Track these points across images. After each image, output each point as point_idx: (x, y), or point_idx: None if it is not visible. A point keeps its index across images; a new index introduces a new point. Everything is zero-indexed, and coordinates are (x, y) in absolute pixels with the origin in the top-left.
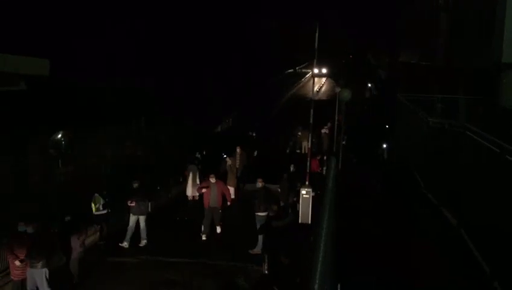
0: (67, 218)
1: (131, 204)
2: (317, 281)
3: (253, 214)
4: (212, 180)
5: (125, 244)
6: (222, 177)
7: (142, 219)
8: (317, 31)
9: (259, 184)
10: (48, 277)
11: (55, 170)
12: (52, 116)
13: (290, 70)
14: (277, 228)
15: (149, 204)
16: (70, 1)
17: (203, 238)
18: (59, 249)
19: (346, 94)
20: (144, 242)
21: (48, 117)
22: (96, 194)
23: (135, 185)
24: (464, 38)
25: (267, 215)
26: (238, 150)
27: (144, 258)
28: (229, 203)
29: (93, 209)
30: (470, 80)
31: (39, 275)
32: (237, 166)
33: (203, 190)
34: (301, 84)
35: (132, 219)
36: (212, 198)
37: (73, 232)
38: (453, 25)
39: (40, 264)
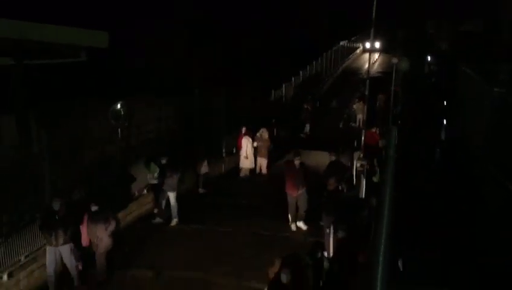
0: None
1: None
2: (381, 255)
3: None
4: (297, 162)
5: (174, 221)
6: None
7: (171, 195)
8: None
9: (332, 157)
10: (73, 249)
11: (114, 141)
12: (111, 86)
13: (342, 43)
14: (343, 201)
15: (177, 179)
16: None
17: (293, 229)
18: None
19: (404, 64)
20: (174, 221)
21: (107, 87)
22: (152, 163)
23: (163, 161)
24: None
25: (332, 188)
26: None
27: (197, 227)
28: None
29: (149, 176)
30: None
31: (64, 251)
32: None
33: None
34: (353, 57)
35: (163, 195)
36: (298, 183)
37: (101, 221)
38: None
39: (63, 240)
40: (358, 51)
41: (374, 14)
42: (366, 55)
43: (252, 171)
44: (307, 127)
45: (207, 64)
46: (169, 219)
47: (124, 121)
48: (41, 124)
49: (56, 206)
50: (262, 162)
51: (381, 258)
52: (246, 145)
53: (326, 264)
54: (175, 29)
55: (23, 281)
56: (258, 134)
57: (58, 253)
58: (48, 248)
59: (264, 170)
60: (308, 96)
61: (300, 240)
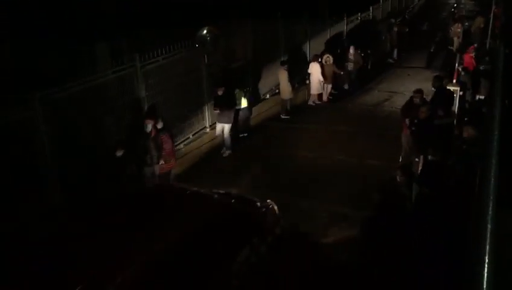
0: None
1: (216, 111)
2: (491, 180)
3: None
4: (417, 99)
5: (226, 153)
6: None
7: (226, 127)
8: None
9: (436, 84)
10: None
11: (201, 65)
12: (197, 11)
13: None
14: (435, 128)
15: (233, 111)
16: None
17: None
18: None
19: None
20: (227, 152)
21: (192, 12)
22: (237, 90)
23: (219, 92)
24: None
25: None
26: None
27: (279, 152)
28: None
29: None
30: None
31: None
32: (350, 68)
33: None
34: None
35: (218, 126)
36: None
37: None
38: None
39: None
40: None
41: None
42: None
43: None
44: (395, 52)
45: None
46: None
47: (209, 47)
48: (133, 50)
49: (148, 128)
50: (327, 88)
51: (491, 183)
52: (314, 71)
53: (416, 188)
54: None
55: None
56: (322, 60)
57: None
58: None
59: (325, 97)
60: (397, 19)
61: (385, 168)
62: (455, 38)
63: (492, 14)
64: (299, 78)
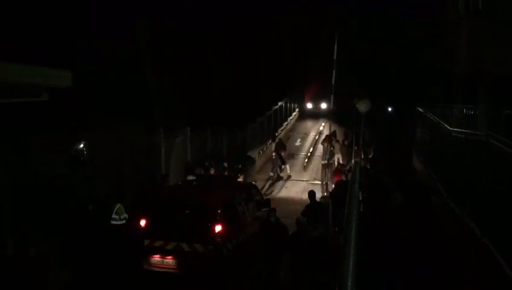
0: None
1: None
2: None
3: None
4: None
5: None
6: None
7: None
8: (336, 42)
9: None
10: None
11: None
12: (75, 124)
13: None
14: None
15: None
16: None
17: None
18: None
19: (365, 105)
20: None
21: (70, 126)
22: (119, 204)
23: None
24: (485, 47)
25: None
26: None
27: None
28: None
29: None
30: (491, 90)
31: None
32: None
33: None
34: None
35: None
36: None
37: None
38: (473, 35)
39: None
40: (289, 120)
41: (335, 54)
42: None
43: None
44: (287, 168)
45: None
46: None
47: (86, 160)
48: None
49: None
50: None
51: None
52: None
53: None
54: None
55: None
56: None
57: None
58: None
59: None
60: (279, 140)
61: None
62: (337, 155)
63: (354, 135)
64: None
